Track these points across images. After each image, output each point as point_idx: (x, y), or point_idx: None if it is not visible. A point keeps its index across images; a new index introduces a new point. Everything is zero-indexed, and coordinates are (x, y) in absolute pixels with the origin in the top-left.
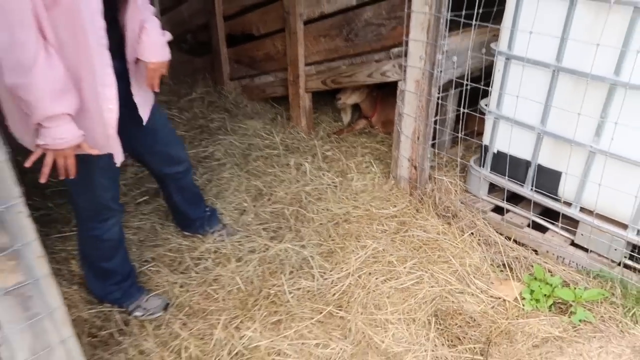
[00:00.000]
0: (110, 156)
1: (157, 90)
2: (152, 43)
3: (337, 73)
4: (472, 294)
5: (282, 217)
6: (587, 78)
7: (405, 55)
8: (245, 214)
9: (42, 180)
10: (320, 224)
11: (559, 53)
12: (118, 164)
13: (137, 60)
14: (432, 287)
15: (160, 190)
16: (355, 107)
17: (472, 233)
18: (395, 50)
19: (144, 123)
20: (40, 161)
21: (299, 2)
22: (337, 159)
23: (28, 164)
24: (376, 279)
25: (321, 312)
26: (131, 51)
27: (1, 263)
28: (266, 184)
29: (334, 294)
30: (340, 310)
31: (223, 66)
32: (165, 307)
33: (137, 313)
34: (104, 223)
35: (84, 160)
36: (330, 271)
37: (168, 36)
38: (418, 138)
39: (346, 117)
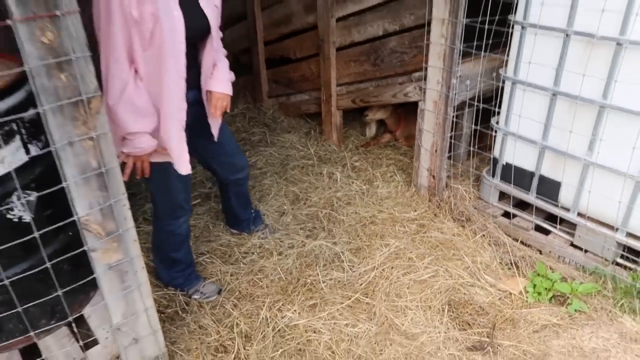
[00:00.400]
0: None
1: (218, 117)
2: (220, 78)
3: (365, 93)
4: (482, 287)
5: (316, 219)
6: (577, 100)
7: (425, 79)
8: (285, 215)
9: (124, 178)
10: (350, 224)
11: (556, 79)
12: (184, 173)
13: (207, 93)
14: (446, 280)
15: (220, 192)
16: (381, 123)
17: (483, 235)
18: (416, 74)
19: (215, 139)
20: None
21: (332, 31)
22: (364, 169)
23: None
24: (398, 272)
25: (350, 298)
26: (204, 83)
27: (108, 244)
28: (302, 190)
29: (361, 284)
30: (366, 297)
31: (262, 85)
32: (219, 292)
33: (195, 296)
34: (177, 220)
35: (164, 168)
36: (358, 264)
37: (232, 76)
38: (436, 151)
39: (373, 132)
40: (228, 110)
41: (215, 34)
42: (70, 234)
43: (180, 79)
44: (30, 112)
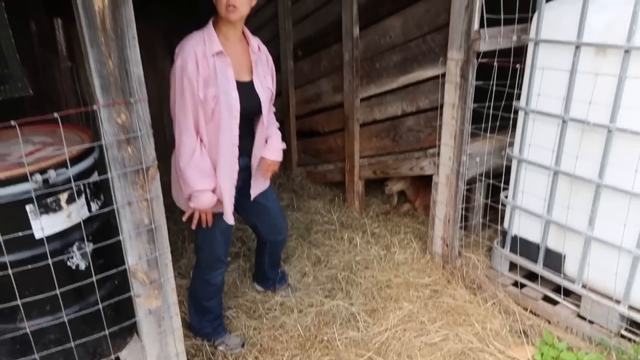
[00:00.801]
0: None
1: (267, 178)
2: (273, 148)
3: (385, 165)
4: (491, 354)
5: (335, 280)
6: (575, 179)
7: (438, 155)
8: (306, 276)
9: (193, 226)
10: (366, 287)
11: (557, 159)
12: (230, 223)
13: (261, 158)
14: (456, 344)
15: (257, 248)
16: (401, 193)
17: (494, 303)
18: (431, 150)
19: (251, 198)
20: None
21: (357, 109)
22: (383, 235)
23: (184, 218)
24: (410, 334)
25: (363, 357)
26: (256, 152)
27: (151, 291)
28: (324, 252)
29: (375, 344)
30: (379, 356)
31: (293, 155)
32: (243, 345)
33: (221, 347)
34: (214, 271)
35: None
36: (373, 325)
37: (284, 145)
38: (449, 221)
39: (393, 201)
40: (276, 170)
41: (267, 111)
42: (116, 282)
43: (233, 146)
44: (101, 177)
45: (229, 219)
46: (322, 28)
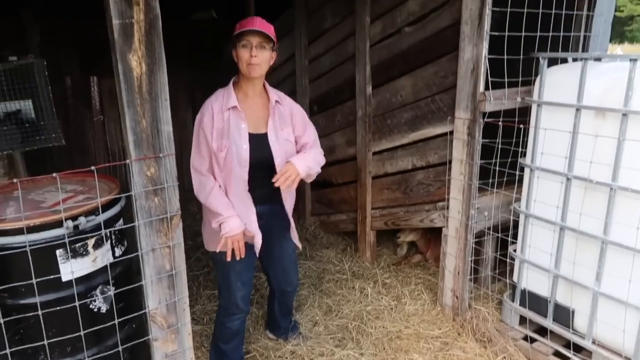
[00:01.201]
0: (243, 263)
1: (278, 183)
2: (301, 157)
3: (396, 217)
4: None
5: (346, 330)
6: (579, 234)
7: (448, 208)
8: (317, 325)
9: (228, 259)
10: (377, 337)
11: (563, 215)
12: (257, 247)
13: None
14: None
15: (269, 295)
16: (413, 244)
17: (504, 357)
18: (440, 204)
19: (256, 253)
20: None
21: (369, 162)
22: (394, 286)
23: (219, 247)
24: None
25: None
26: (285, 195)
27: (168, 335)
28: (335, 302)
29: None
30: None
31: (307, 204)
32: None
33: None
34: (231, 316)
35: (225, 266)
36: None
37: (318, 169)
38: (458, 273)
39: (404, 252)
40: (291, 187)
41: (281, 161)
42: (134, 326)
43: (244, 192)
44: (128, 225)
45: (258, 243)
46: (337, 85)
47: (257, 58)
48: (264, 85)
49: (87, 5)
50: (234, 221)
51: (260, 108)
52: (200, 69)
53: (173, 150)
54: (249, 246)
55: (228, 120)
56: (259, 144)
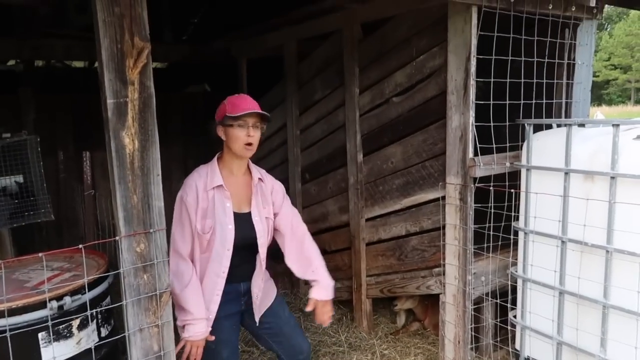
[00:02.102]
0: (229, 331)
1: (326, 323)
2: (322, 284)
3: (392, 284)
4: None
5: None
6: (579, 298)
7: (444, 274)
8: None
9: None
10: None
11: (561, 279)
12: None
13: (312, 301)
14: None
15: None
16: (410, 311)
17: None
18: (436, 270)
19: (256, 322)
20: None
21: (362, 229)
22: (392, 357)
23: (176, 350)
24: None
25: None
26: (256, 279)
27: None
28: None
29: None
30: None
31: None
32: None
33: None
34: None
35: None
36: None
37: (332, 282)
38: (459, 342)
39: (402, 320)
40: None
41: (265, 240)
42: None
43: (218, 277)
44: (116, 304)
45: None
46: (329, 154)
47: (254, 138)
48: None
49: (83, 81)
50: (201, 325)
51: (243, 186)
52: (193, 140)
53: (164, 225)
54: (234, 317)
55: (213, 199)
56: (243, 223)
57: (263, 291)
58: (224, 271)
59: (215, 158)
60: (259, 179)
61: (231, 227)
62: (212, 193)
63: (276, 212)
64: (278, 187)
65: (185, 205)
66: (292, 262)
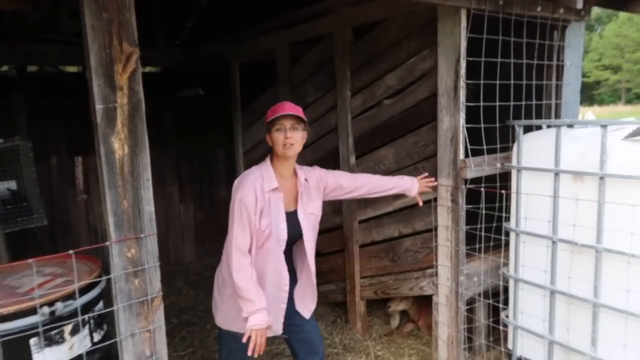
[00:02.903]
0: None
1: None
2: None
3: (385, 286)
4: None
5: None
6: (569, 298)
7: (436, 275)
8: None
9: (249, 353)
10: None
11: (552, 279)
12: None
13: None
14: None
15: None
16: (404, 312)
17: None
18: (429, 271)
19: (307, 318)
20: None
21: (356, 231)
22: (387, 358)
23: (245, 338)
24: None
25: None
26: (299, 274)
27: None
28: None
29: None
30: None
31: None
32: None
33: None
34: None
35: (233, 350)
36: None
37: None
38: (452, 343)
39: (396, 321)
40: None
41: (311, 235)
42: None
43: (281, 272)
44: (107, 309)
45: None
46: (322, 156)
47: (292, 138)
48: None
49: (75, 86)
50: (263, 315)
51: (292, 187)
52: (186, 145)
53: (154, 230)
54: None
55: (269, 201)
56: (292, 221)
57: (308, 288)
58: (283, 267)
59: (269, 161)
60: (305, 179)
61: (283, 226)
62: (269, 195)
63: (333, 186)
64: (319, 173)
65: (245, 206)
66: (373, 194)
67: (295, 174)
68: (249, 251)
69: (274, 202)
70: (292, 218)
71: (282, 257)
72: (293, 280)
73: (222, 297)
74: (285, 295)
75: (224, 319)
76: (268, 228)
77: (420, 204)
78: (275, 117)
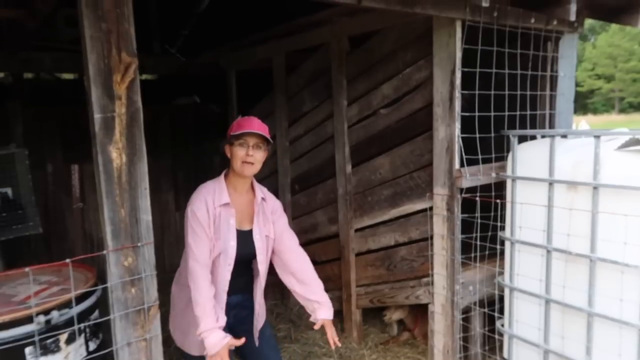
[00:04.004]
0: None
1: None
2: (325, 304)
3: (381, 294)
4: None
5: None
6: (564, 306)
7: (432, 284)
8: None
9: None
10: None
11: (547, 288)
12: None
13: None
14: None
15: None
16: (400, 321)
17: None
18: (425, 279)
19: (255, 339)
20: None
21: (352, 239)
22: None
23: None
24: None
25: None
26: (257, 293)
27: None
28: None
29: None
30: None
31: None
32: None
33: None
34: None
35: None
36: None
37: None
38: (448, 352)
39: (392, 330)
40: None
41: (264, 257)
42: None
43: (221, 292)
44: (103, 318)
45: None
46: (318, 165)
47: (253, 157)
48: (251, 182)
49: (72, 93)
50: (215, 335)
51: (247, 204)
52: (182, 152)
53: (152, 239)
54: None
55: (219, 216)
56: (244, 240)
57: (247, 308)
58: (226, 284)
59: (223, 175)
60: (262, 198)
61: (233, 243)
62: (220, 210)
63: (279, 230)
64: (278, 207)
65: (199, 220)
66: (293, 284)
67: (252, 190)
68: (208, 264)
69: (225, 217)
70: (245, 237)
71: (228, 278)
72: (238, 297)
73: (177, 312)
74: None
75: (180, 338)
76: (217, 244)
77: (316, 328)
78: (241, 132)
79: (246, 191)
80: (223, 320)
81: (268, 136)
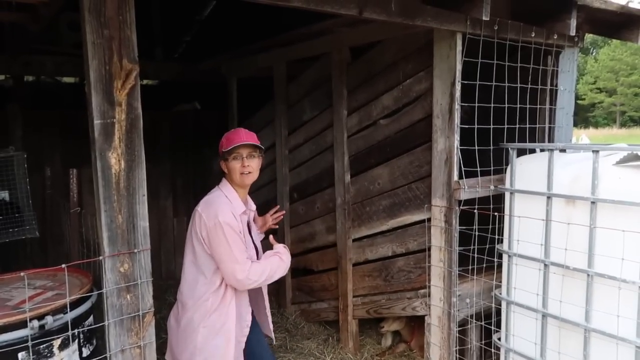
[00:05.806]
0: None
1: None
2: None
3: (378, 305)
4: None
5: None
6: (561, 321)
7: (429, 296)
8: None
9: None
10: None
11: (544, 302)
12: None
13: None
14: None
15: None
16: (396, 332)
17: None
18: (422, 291)
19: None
20: None
21: (349, 249)
22: None
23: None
24: None
25: None
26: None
27: None
28: None
29: None
30: None
31: (287, 292)
32: None
33: None
34: None
35: None
36: None
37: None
38: None
39: (388, 341)
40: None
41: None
42: None
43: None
44: (97, 325)
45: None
46: (317, 174)
47: (249, 167)
48: None
49: (72, 97)
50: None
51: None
52: (181, 158)
53: (148, 245)
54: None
55: (241, 224)
56: (251, 244)
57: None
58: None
59: (229, 187)
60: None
61: (252, 246)
62: (240, 218)
63: None
64: (255, 213)
65: (233, 229)
66: None
67: (247, 201)
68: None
69: (244, 225)
70: (252, 242)
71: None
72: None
73: (191, 334)
74: (244, 339)
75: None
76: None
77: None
78: (232, 147)
79: (244, 201)
80: (249, 320)
81: (258, 143)
